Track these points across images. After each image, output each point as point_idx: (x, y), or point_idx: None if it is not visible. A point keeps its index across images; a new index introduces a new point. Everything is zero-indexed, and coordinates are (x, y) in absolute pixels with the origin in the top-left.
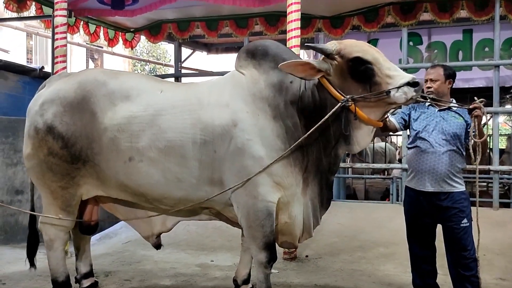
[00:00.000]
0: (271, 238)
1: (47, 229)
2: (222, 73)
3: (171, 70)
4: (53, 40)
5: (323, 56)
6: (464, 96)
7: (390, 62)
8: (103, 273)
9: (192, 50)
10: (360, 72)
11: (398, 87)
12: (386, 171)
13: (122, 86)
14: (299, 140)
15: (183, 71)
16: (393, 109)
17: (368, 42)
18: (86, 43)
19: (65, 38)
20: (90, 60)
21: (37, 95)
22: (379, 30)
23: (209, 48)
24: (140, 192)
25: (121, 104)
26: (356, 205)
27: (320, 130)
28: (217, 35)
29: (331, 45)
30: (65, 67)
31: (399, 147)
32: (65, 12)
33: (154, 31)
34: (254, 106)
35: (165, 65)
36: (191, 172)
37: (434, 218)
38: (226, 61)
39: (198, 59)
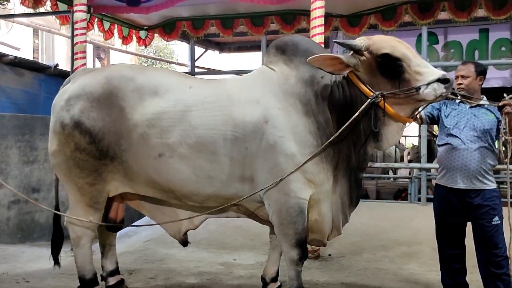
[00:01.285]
0: (303, 235)
1: (74, 227)
2: (236, 72)
3: (180, 69)
4: (73, 36)
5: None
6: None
7: (420, 58)
8: (127, 271)
9: (204, 49)
10: (389, 68)
11: (428, 84)
12: (394, 171)
13: (150, 81)
14: (333, 137)
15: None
16: (423, 107)
17: None
18: (92, 41)
19: (85, 34)
20: (96, 59)
21: (62, 90)
22: (396, 29)
23: (222, 47)
24: (170, 188)
25: (149, 100)
26: (375, 205)
27: (351, 127)
28: (232, 34)
29: (360, 41)
30: (84, 64)
31: (407, 148)
32: (85, 8)
33: (168, 29)
34: (286, 102)
35: (178, 64)
36: (222, 168)
37: (465, 216)
38: (238, 60)
39: (210, 58)
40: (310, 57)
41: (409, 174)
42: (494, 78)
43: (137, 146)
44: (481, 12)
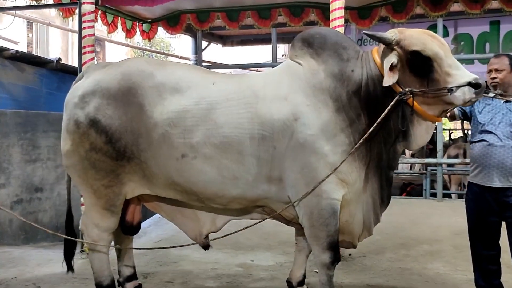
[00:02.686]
0: (335, 238)
1: (90, 231)
2: (243, 67)
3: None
4: (80, 29)
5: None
6: (487, 88)
7: (453, 58)
8: (142, 274)
9: (207, 42)
10: (418, 67)
11: (459, 86)
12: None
13: (170, 77)
14: (366, 135)
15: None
16: (450, 109)
17: None
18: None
19: (93, 27)
20: None
21: (75, 87)
22: (407, 21)
23: (225, 40)
24: (192, 190)
25: (170, 97)
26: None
27: (381, 124)
28: (238, 26)
29: (391, 34)
30: (93, 58)
31: None
32: None
33: (173, 22)
34: (315, 99)
35: (180, 57)
36: (248, 169)
37: (500, 216)
38: (241, 53)
39: (212, 52)
40: (385, 81)
41: (411, 168)
42: None
43: (158, 146)
44: (493, 4)
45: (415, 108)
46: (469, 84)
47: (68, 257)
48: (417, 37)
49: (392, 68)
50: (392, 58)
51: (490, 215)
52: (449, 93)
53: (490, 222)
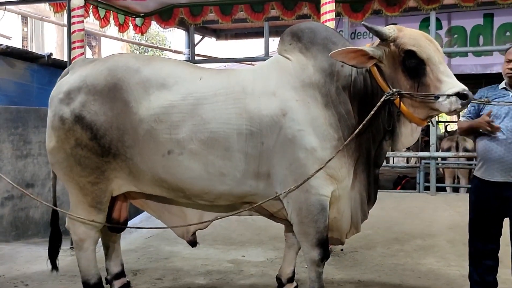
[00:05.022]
0: (324, 234)
1: (76, 228)
2: (237, 60)
3: (176, 57)
4: (69, 24)
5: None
6: (479, 81)
7: (445, 65)
8: (131, 271)
9: (201, 36)
10: (411, 67)
11: (447, 95)
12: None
13: (157, 73)
14: (356, 131)
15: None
16: (435, 115)
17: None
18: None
19: (82, 22)
20: (87, 47)
21: (60, 82)
22: (400, 14)
23: (218, 34)
24: (179, 187)
25: (157, 93)
26: (383, 195)
27: (371, 120)
28: (231, 20)
29: (389, 30)
30: (83, 53)
31: None
32: None
33: (166, 15)
34: (304, 94)
35: (174, 51)
36: (236, 165)
37: (501, 211)
38: (235, 47)
39: (206, 46)
40: (332, 52)
41: (407, 162)
42: (499, 64)
43: (144, 142)
44: None
45: (401, 110)
46: (457, 94)
47: (53, 255)
48: (414, 37)
49: (362, 56)
50: (373, 48)
51: (490, 210)
52: (436, 100)
53: (490, 216)
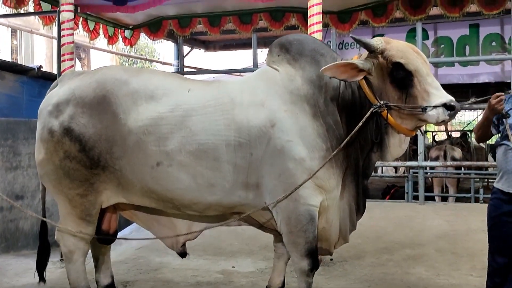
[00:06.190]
0: (313, 244)
1: (66, 240)
2: (226, 72)
3: (165, 69)
4: (59, 36)
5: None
6: (466, 91)
7: (433, 77)
8: (121, 283)
9: (190, 48)
10: (399, 79)
11: (434, 106)
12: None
13: (145, 85)
14: (344, 142)
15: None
16: (423, 125)
17: (373, 37)
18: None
19: (72, 34)
20: (76, 59)
21: (49, 95)
22: (387, 25)
23: (207, 45)
24: (168, 198)
25: (145, 105)
26: (371, 204)
27: (359, 131)
28: (219, 32)
29: (377, 42)
30: (72, 65)
31: None
32: (72, 7)
33: (154, 27)
34: (292, 105)
35: (163, 63)
36: (225, 176)
37: None
38: (224, 58)
39: (195, 57)
40: (323, 68)
41: (396, 171)
42: (486, 73)
43: (132, 154)
44: (472, 7)
45: (389, 121)
46: (444, 105)
47: (40, 267)
48: (402, 49)
49: (352, 69)
50: (362, 62)
51: (506, 223)
52: (424, 112)
53: (507, 229)
